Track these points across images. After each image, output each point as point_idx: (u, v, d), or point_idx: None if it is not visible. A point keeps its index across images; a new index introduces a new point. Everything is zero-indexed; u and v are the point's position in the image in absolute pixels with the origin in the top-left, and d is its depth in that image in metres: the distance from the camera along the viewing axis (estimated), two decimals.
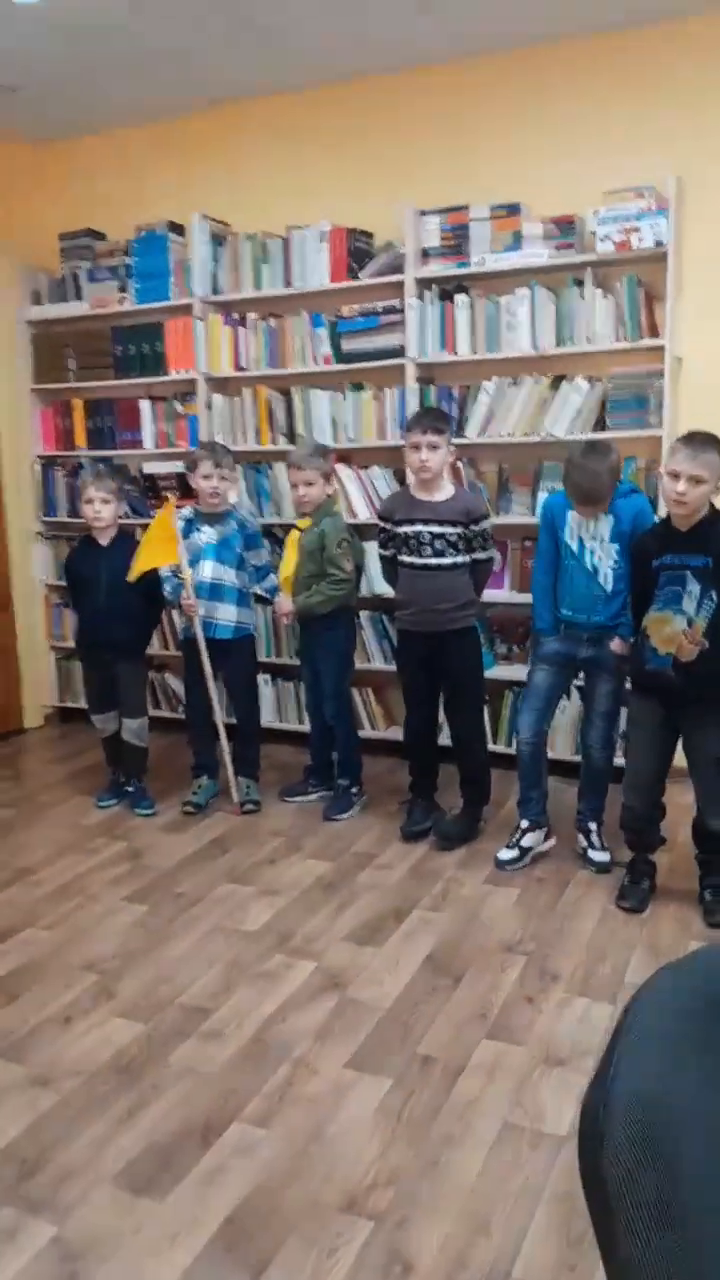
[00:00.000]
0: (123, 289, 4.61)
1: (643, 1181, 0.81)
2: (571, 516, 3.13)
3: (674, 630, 2.76)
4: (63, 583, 4.38)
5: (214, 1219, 1.84)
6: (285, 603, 3.67)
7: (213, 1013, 2.50)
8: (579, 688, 3.49)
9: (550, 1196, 1.86)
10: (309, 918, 2.98)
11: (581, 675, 3.34)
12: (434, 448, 3.28)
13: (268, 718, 4.39)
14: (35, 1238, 1.81)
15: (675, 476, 2.71)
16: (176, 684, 4.61)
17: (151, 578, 3.66)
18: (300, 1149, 2.02)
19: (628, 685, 3.10)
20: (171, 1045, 2.37)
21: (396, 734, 3.99)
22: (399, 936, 2.85)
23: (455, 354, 4.03)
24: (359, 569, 3.74)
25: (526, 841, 3.30)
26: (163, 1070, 2.28)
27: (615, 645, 3.11)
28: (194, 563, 3.67)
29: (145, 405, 4.64)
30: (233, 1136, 2.05)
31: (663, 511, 3.07)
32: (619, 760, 3.32)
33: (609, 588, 3.10)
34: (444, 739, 3.69)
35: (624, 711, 3.25)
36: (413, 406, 4.01)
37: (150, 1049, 2.36)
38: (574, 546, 3.14)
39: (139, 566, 3.60)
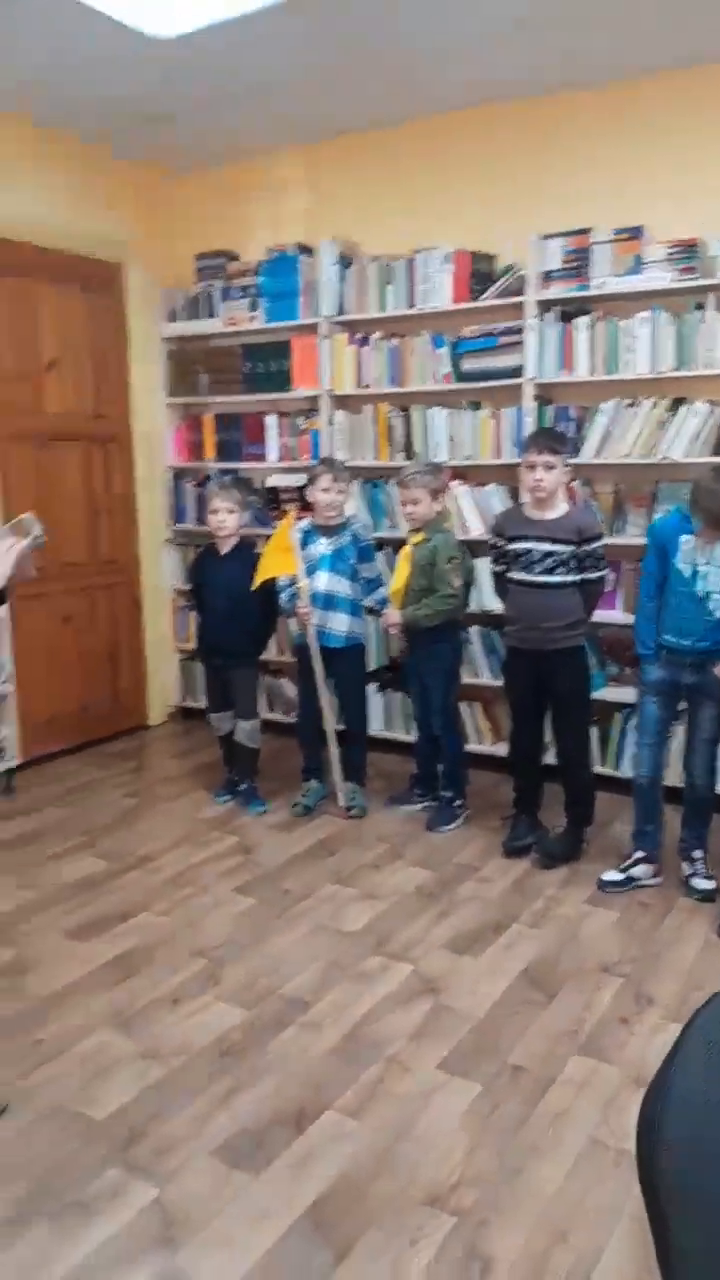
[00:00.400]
0: (253, 308, 4.82)
1: (694, 1179, 0.88)
2: (684, 541, 3.13)
3: None
4: (188, 587, 4.60)
5: (303, 1200, 1.95)
6: (393, 615, 3.78)
7: (311, 1006, 2.62)
8: (681, 713, 3.46)
9: (630, 1215, 1.90)
10: (408, 923, 3.07)
11: (684, 701, 3.32)
12: (549, 468, 3.33)
13: (376, 727, 4.50)
14: (138, 1198, 1.96)
15: None
16: (291, 690, 4.77)
17: (269, 587, 3.83)
18: (388, 1143, 2.11)
19: None
20: (270, 1033, 2.50)
21: (504, 749, 4.04)
22: (496, 948, 2.91)
23: (573, 375, 4.06)
24: (468, 586, 3.81)
25: (637, 871, 3.30)
26: (261, 1055, 2.41)
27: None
28: (310, 573, 3.81)
29: (271, 420, 4.83)
30: (325, 1124, 2.17)
31: None
32: None
33: (718, 614, 3.09)
34: (550, 757, 3.72)
35: None
36: (529, 426, 4.05)
37: (251, 1035, 2.50)
38: (685, 572, 3.13)
39: (261, 575, 3.77)
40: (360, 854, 3.59)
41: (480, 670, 4.33)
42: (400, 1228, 1.88)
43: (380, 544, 4.29)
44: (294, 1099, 2.25)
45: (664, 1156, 0.89)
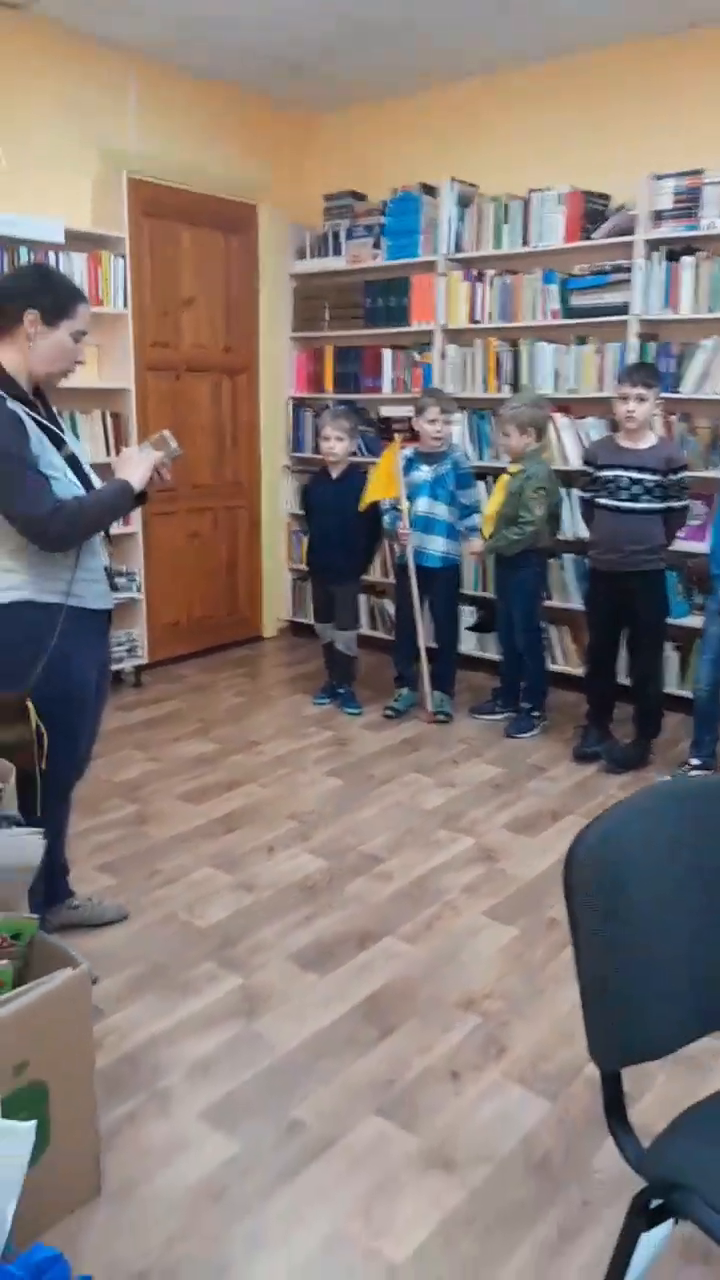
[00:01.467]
0: (376, 245, 5.10)
1: (595, 897, 1.21)
2: None
3: None
4: (301, 512, 4.99)
5: (359, 994, 2.37)
6: (475, 544, 4.13)
7: (384, 861, 3.03)
8: None
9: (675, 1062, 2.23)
10: (477, 807, 3.43)
11: None
12: (641, 400, 3.56)
13: (469, 646, 4.83)
14: (227, 984, 2.41)
15: None
16: (391, 608, 5.13)
17: (374, 510, 4.18)
18: (435, 963, 2.50)
19: None
20: (347, 879, 2.92)
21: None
22: (553, 831, 3.25)
23: (678, 313, 4.21)
24: (556, 518, 4.07)
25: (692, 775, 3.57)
26: (338, 894, 2.84)
27: None
28: (411, 498, 4.14)
29: (387, 354, 5.13)
30: (384, 945, 2.58)
31: None
32: None
33: None
34: (624, 675, 3.98)
35: None
36: (632, 361, 4.24)
37: (330, 878, 2.93)
38: None
39: (368, 497, 4.12)
40: (441, 751, 3.96)
41: (571, 595, 4.58)
42: (436, 1020, 2.28)
43: (483, 473, 4.57)
44: (360, 926, 2.67)
45: (575, 874, 1.22)
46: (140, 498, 2.34)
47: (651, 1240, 1.66)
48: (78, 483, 2.22)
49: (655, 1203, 1.19)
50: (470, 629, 4.78)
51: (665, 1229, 1.69)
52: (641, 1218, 1.20)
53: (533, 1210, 1.75)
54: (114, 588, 2.37)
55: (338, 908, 2.77)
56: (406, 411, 4.94)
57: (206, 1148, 1.88)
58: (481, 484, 4.47)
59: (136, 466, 2.29)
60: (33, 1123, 1.46)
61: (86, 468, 2.31)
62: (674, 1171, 1.17)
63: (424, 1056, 2.15)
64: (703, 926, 1.27)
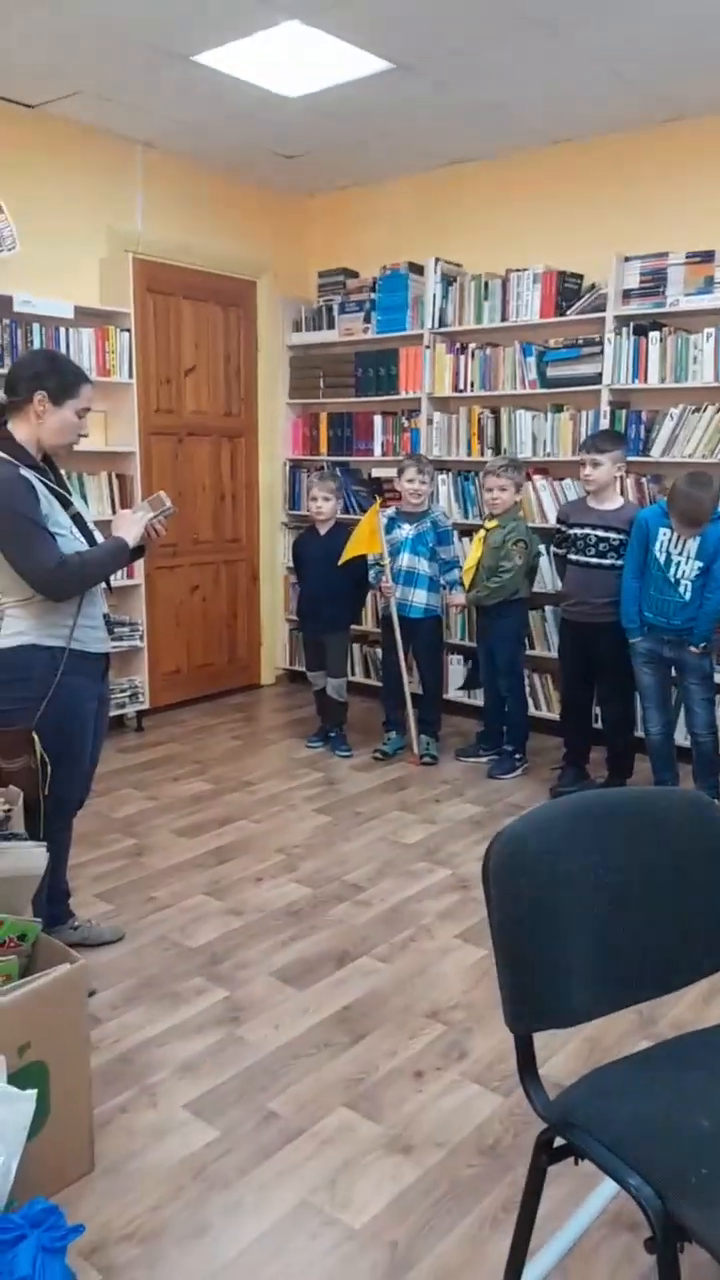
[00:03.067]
0: (367, 320, 5.46)
1: (505, 881, 1.45)
2: (663, 532, 3.62)
3: None
4: (293, 565, 5.27)
5: (334, 1005, 2.58)
6: (457, 596, 4.43)
7: (365, 889, 3.25)
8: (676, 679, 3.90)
9: (584, 1038, 2.43)
10: (456, 841, 3.65)
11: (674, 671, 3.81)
12: (596, 465, 3.87)
13: (454, 692, 5.08)
14: (213, 996, 2.63)
15: None
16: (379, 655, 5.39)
17: (359, 564, 4.46)
18: (407, 978, 2.71)
19: None
20: (329, 905, 3.14)
21: None
22: None
23: (646, 383, 4.53)
24: (533, 569, 4.35)
25: None
26: (320, 918, 3.05)
27: (693, 651, 3.62)
28: (394, 554, 4.43)
29: (378, 419, 5.47)
30: (360, 964, 2.79)
31: None
32: None
33: (686, 598, 3.58)
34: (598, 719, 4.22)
35: None
36: (604, 427, 4.55)
37: (314, 903, 3.15)
38: (661, 559, 3.64)
39: (349, 553, 4.41)
40: (425, 791, 4.19)
41: (552, 644, 4.83)
42: (404, 1027, 2.48)
43: (467, 530, 4.85)
44: (340, 946, 2.88)
45: (491, 866, 1.46)
46: (137, 552, 2.64)
47: (586, 1210, 1.88)
48: (82, 539, 2.51)
49: (558, 1142, 1.40)
50: (460, 688, 5.03)
51: (600, 1201, 1.90)
52: (544, 1154, 1.41)
53: (480, 1186, 1.95)
54: (111, 634, 2.64)
55: (319, 930, 2.99)
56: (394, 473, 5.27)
57: (190, 1133, 2.08)
58: (467, 540, 4.76)
59: (131, 526, 2.59)
60: (34, 1091, 1.68)
61: (90, 525, 2.60)
62: (570, 1114, 1.39)
63: (391, 1059, 2.36)
64: (604, 918, 1.50)
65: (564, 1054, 2.37)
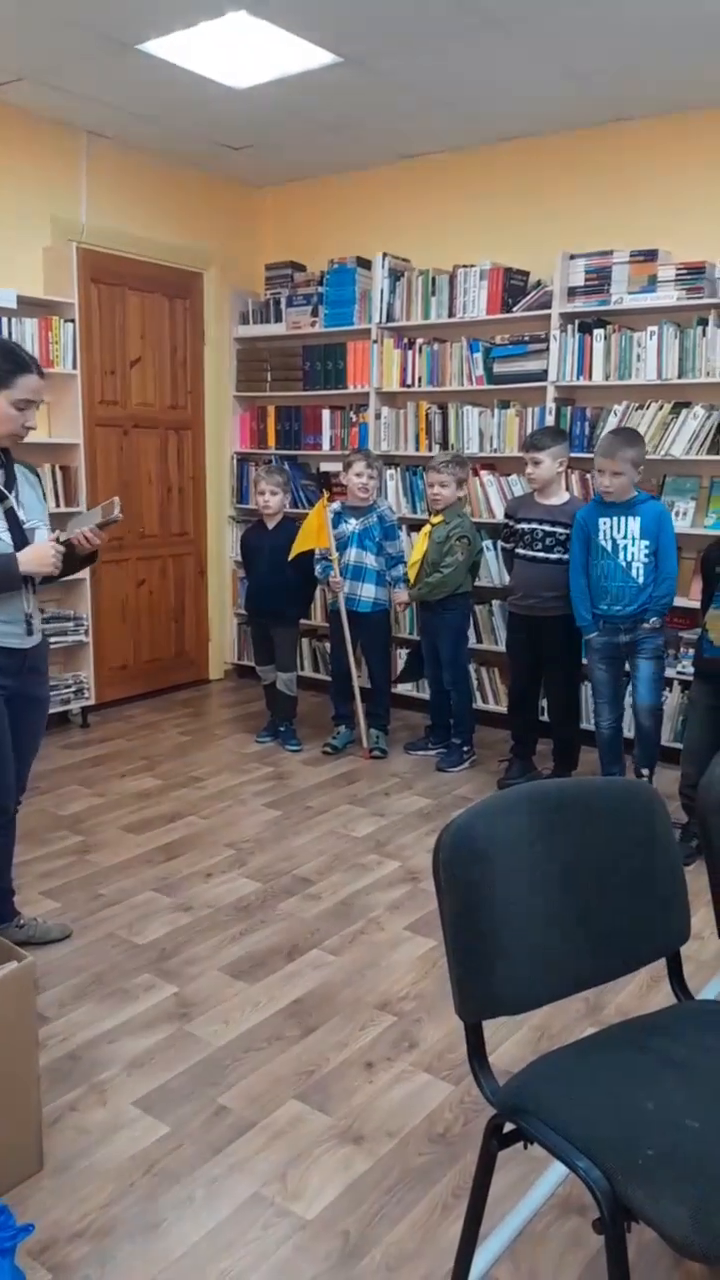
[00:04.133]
0: (315, 314, 5.45)
1: (454, 872, 1.47)
2: (603, 522, 3.69)
3: None
4: (241, 559, 5.25)
5: (285, 999, 2.58)
6: (401, 594, 4.49)
7: (315, 883, 3.25)
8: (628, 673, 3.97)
9: (531, 1026, 2.47)
10: (405, 834, 3.68)
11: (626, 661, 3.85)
12: (536, 463, 3.92)
13: (404, 686, 5.10)
14: (162, 992, 2.61)
15: None
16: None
17: (308, 559, 4.46)
18: (358, 970, 2.73)
19: (685, 669, 3.60)
20: (280, 899, 3.14)
21: None
22: None
23: (590, 380, 4.59)
24: (475, 565, 4.39)
25: None
26: (270, 912, 3.06)
27: (648, 625, 3.66)
28: (341, 549, 4.43)
29: (326, 413, 5.46)
30: (311, 957, 2.80)
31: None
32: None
33: (640, 580, 3.64)
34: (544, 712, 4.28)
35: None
36: (550, 423, 4.60)
37: (264, 898, 3.14)
38: (608, 547, 3.69)
39: (297, 548, 4.40)
40: (375, 784, 4.21)
41: (499, 638, 4.88)
42: (355, 1019, 2.50)
43: (416, 525, 4.88)
44: (290, 940, 2.89)
45: (440, 858, 1.48)
46: (90, 558, 2.67)
47: (535, 1194, 1.91)
48: (8, 538, 2.47)
49: (507, 1128, 1.43)
50: (397, 680, 5.04)
51: (549, 1185, 1.93)
52: (494, 1139, 1.43)
53: (431, 1174, 1.97)
54: (29, 631, 2.58)
55: (269, 924, 2.99)
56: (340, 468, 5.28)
57: (140, 1129, 2.07)
58: (415, 534, 4.78)
59: (36, 547, 2.50)
60: None
61: (23, 521, 2.54)
62: (519, 1100, 1.41)
63: (342, 1050, 2.37)
64: (551, 907, 1.53)
65: (513, 1042, 2.40)
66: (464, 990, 1.45)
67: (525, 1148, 1.45)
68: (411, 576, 4.37)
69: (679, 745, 3.82)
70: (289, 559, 4.40)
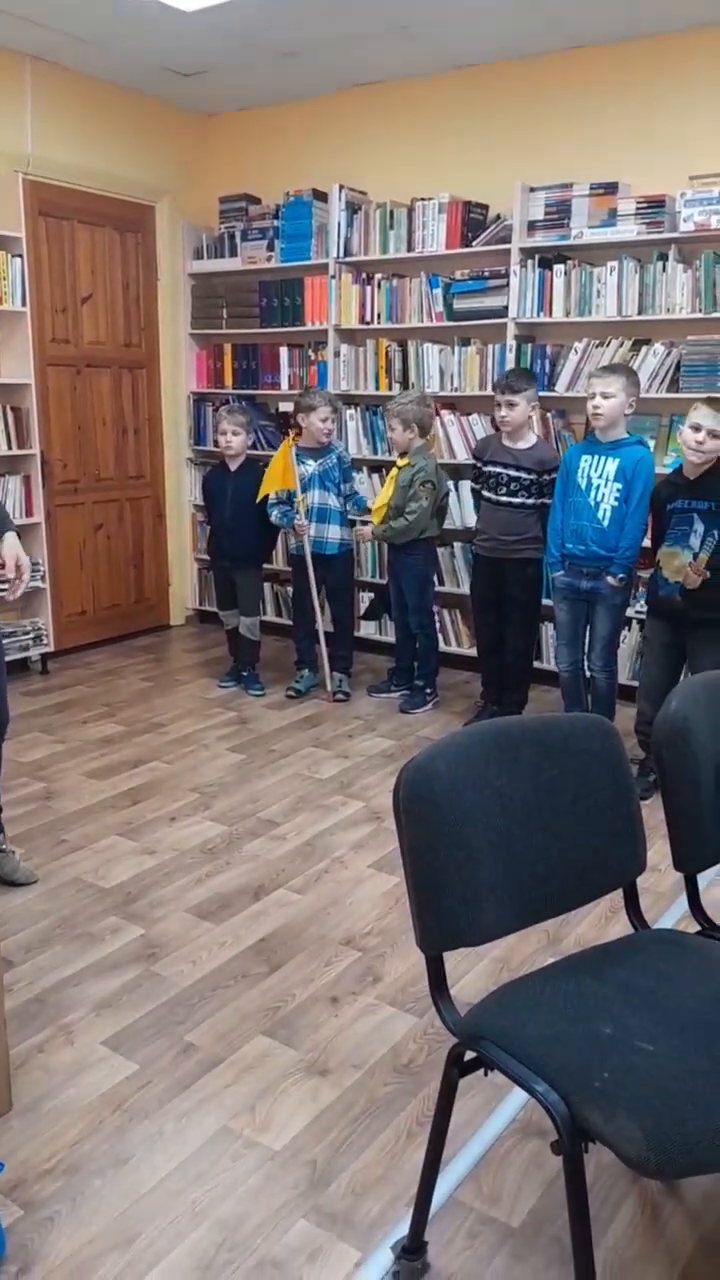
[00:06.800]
0: (270, 248, 5.32)
1: (414, 809, 1.48)
2: (584, 460, 3.68)
3: (682, 563, 3.29)
4: (203, 502, 5.18)
5: (252, 938, 2.61)
6: (364, 530, 4.43)
7: (280, 825, 3.27)
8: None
9: (494, 959, 2.52)
10: (369, 775, 3.70)
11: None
12: (511, 405, 3.88)
13: (367, 629, 5.10)
14: (129, 934, 2.63)
15: (696, 429, 3.22)
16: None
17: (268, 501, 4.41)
18: (323, 908, 2.76)
19: (642, 608, 3.62)
20: (245, 840, 3.16)
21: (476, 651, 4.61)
22: None
23: (551, 316, 4.53)
24: (442, 510, 4.36)
25: None
26: (236, 854, 3.07)
27: (610, 581, 3.63)
28: (302, 490, 4.38)
29: (284, 351, 5.36)
30: (276, 896, 2.82)
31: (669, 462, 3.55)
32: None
33: (605, 523, 3.62)
34: None
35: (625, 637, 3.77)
36: (511, 362, 4.55)
37: (229, 840, 3.16)
38: (582, 484, 3.67)
39: (264, 490, 4.35)
40: (339, 727, 4.22)
41: (463, 581, 4.88)
42: (320, 955, 2.53)
43: (377, 466, 4.83)
44: (255, 880, 2.91)
45: (400, 794, 1.49)
46: None
47: (497, 1120, 1.96)
48: None
49: (468, 1056, 1.46)
50: (361, 618, 5.04)
51: (510, 1111, 1.98)
52: (455, 1067, 1.47)
53: (396, 1103, 2.02)
54: None
55: (234, 866, 3.01)
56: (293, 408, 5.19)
57: (108, 1068, 2.10)
58: (376, 476, 4.74)
59: None
60: None
61: None
62: (479, 1028, 1.44)
63: (308, 986, 2.41)
64: (510, 840, 1.55)
65: (474, 974, 2.45)
66: (424, 924, 1.47)
67: (485, 1074, 1.48)
68: (377, 520, 4.34)
69: (636, 683, 3.87)
70: (254, 501, 4.35)
